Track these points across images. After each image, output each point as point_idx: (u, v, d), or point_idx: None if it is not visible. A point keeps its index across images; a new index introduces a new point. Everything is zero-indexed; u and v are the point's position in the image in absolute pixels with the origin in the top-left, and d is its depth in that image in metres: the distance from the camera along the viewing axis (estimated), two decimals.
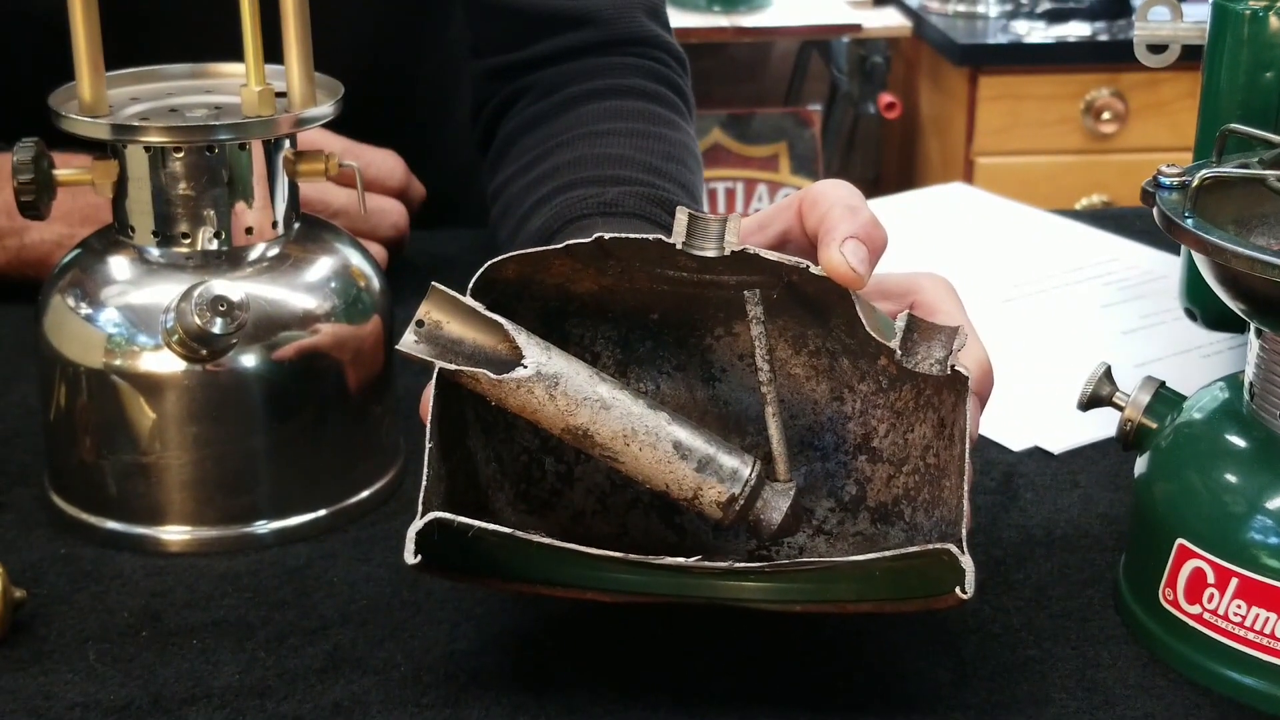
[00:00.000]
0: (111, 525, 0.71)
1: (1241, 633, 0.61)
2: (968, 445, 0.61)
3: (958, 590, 0.56)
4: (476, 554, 0.61)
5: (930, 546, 0.58)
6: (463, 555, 0.60)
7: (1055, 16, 2.72)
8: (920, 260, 1.05)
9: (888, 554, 0.58)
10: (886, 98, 2.91)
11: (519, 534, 0.59)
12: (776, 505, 0.63)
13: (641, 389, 0.68)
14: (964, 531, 0.59)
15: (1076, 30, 2.68)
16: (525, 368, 0.61)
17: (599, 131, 0.95)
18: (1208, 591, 0.61)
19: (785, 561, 0.64)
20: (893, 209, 1.19)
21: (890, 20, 2.88)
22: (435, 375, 0.61)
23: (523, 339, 0.61)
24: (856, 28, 2.83)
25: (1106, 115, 2.66)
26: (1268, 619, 0.60)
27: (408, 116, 1.18)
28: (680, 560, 0.59)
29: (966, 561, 0.57)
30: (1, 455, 0.79)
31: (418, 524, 0.58)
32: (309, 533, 0.72)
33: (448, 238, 1.10)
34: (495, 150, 1.03)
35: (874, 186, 3.10)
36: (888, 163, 3.15)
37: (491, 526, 0.58)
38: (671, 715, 0.60)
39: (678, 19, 2.78)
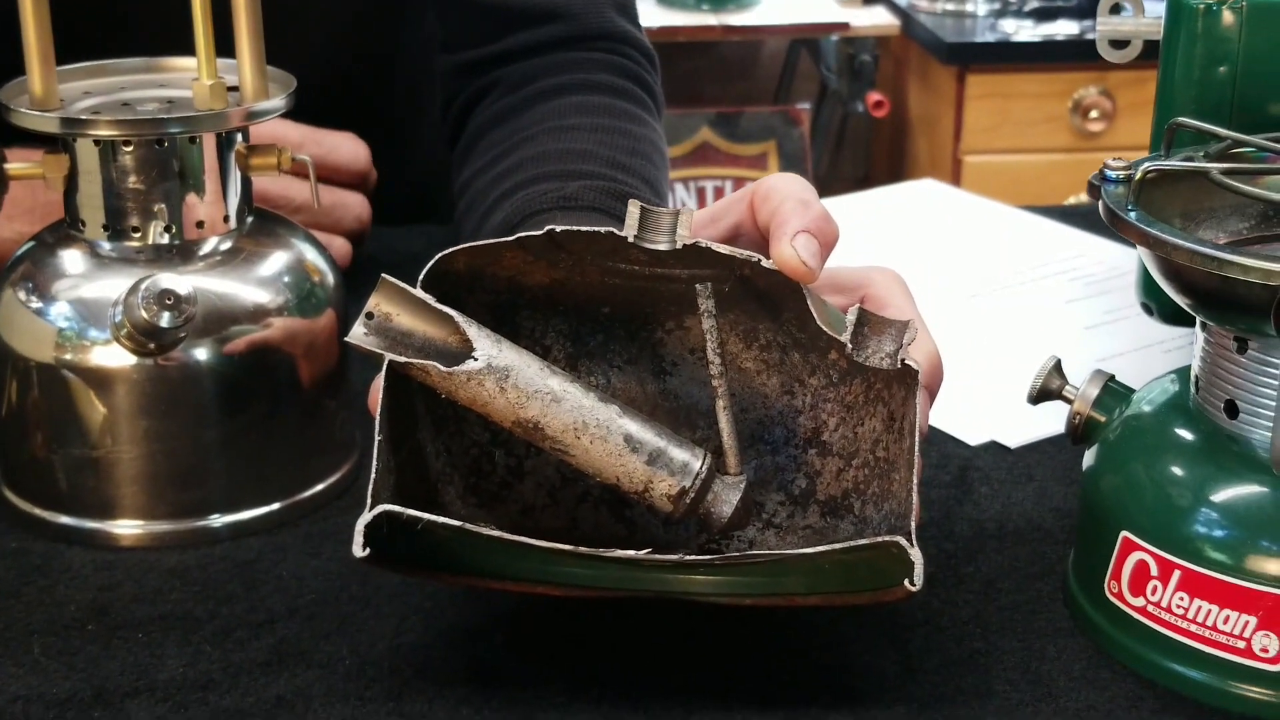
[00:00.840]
0: (63, 520, 0.71)
1: (1184, 625, 0.61)
2: (917, 439, 0.61)
3: (906, 583, 0.56)
4: (426, 547, 0.61)
5: (879, 539, 0.58)
6: (412, 549, 0.60)
7: (1043, 15, 2.73)
8: (889, 256, 1.05)
9: (837, 547, 0.58)
10: (875, 96, 2.91)
11: (468, 527, 0.59)
12: (727, 498, 0.63)
13: (592, 382, 0.68)
14: (913, 525, 0.59)
15: (1064, 29, 2.69)
16: (476, 360, 0.61)
17: (564, 126, 0.95)
18: (1151, 584, 0.61)
19: (735, 554, 0.64)
20: (863, 206, 1.19)
21: (879, 19, 2.88)
22: (385, 367, 0.61)
23: (473, 331, 0.61)
24: (845, 26, 2.84)
25: (1094, 113, 2.67)
26: (1210, 611, 0.60)
27: (382, 113, 1.18)
28: (630, 553, 0.59)
29: (915, 554, 0.57)
30: None
31: (366, 517, 0.58)
32: (261, 526, 0.72)
33: (417, 234, 1.10)
34: (462, 146, 1.03)
35: (863, 185, 3.09)
36: (876, 161, 3.15)
37: (441, 519, 0.58)
38: (618, 709, 0.60)
39: (667, 17, 2.78)
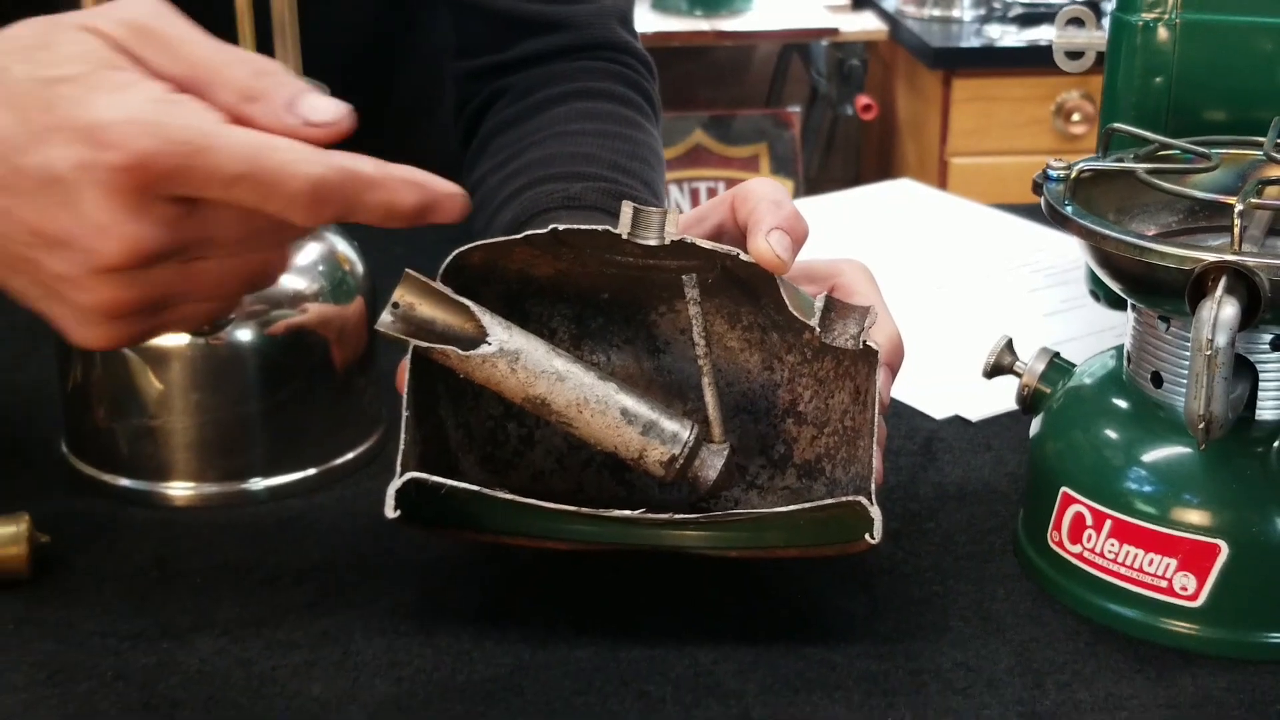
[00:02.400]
0: (123, 482, 0.80)
1: (1115, 568, 0.69)
2: (877, 410, 0.69)
3: (867, 536, 0.65)
4: (448, 509, 0.69)
5: (845, 499, 0.66)
6: (436, 510, 0.69)
7: (1027, 21, 2.79)
8: (865, 250, 1.14)
9: (809, 506, 0.67)
10: (863, 99, 2.99)
11: (485, 490, 0.67)
12: (712, 464, 0.71)
13: (594, 361, 0.76)
14: (873, 486, 0.67)
15: (1047, 34, 2.74)
16: (489, 345, 0.69)
17: (569, 131, 1.03)
18: (1087, 533, 0.70)
19: (720, 513, 0.72)
20: (842, 204, 1.28)
21: (867, 24, 2.95)
22: (410, 352, 0.70)
23: (487, 319, 0.70)
24: (834, 31, 2.90)
25: (1076, 117, 2.73)
26: (1137, 555, 0.68)
27: (394, 114, 1.26)
28: (626, 513, 0.68)
29: (875, 511, 0.65)
30: (23, 423, 0.87)
31: (396, 483, 0.66)
32: (299, 489, 0.81)
33: (428, 229, 1.17)
34: (475, 146, 1.11)
35: (852, 186, 3.16)
36: (865, 163, 3.23)
37: (461, 484, 0.67)
38: (619, 642, 0.69)
39: (660, 22, 2.86)
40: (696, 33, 2.87)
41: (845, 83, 3.04)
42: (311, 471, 0.82)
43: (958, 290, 1.07)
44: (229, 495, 0.80)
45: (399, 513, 0.66)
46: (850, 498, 0.66)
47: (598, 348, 0.77)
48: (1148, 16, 0.80)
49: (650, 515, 0.68)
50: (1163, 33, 0.80)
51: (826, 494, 0.73)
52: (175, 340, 0.78)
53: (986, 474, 0.83)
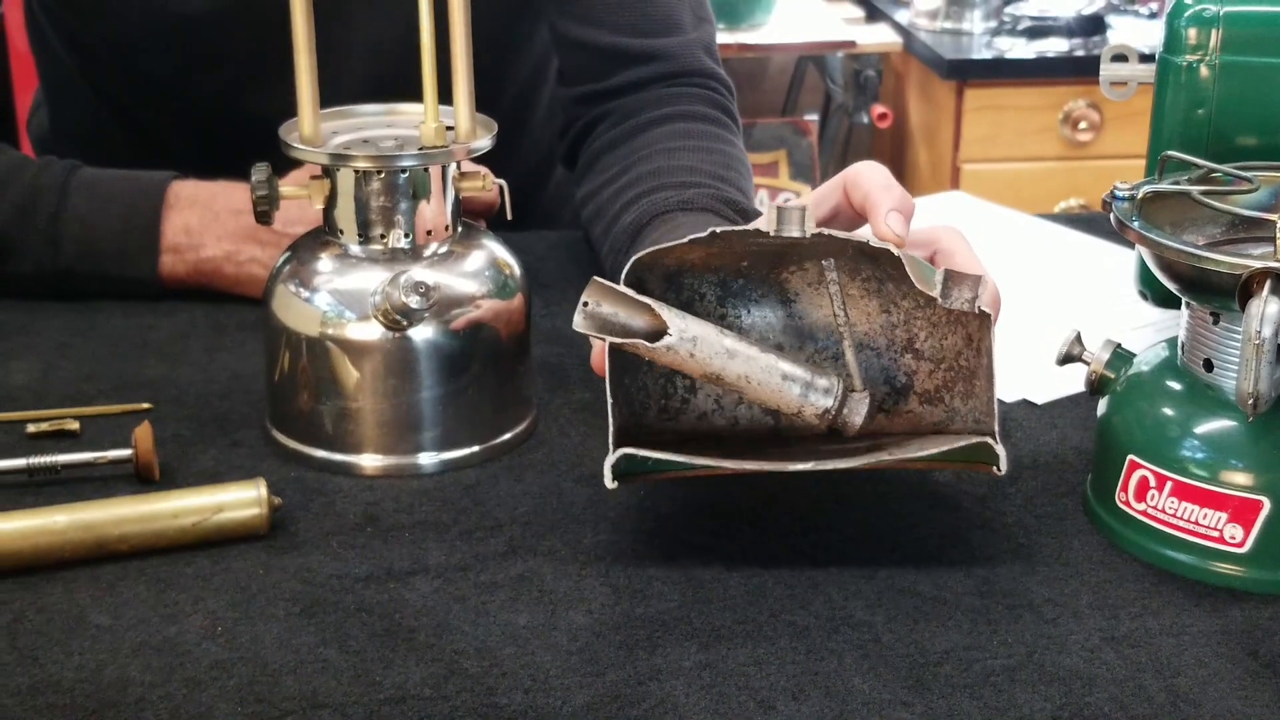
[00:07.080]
0: (324, 455, 0.94)
1: (1174, 521, 0.83)
2: (994, 361, 0.83)
3: (995, 469, 0.80)
4: (643, 466, 0.82)
5: (977, 440, 0.80)
6: (639, 467, 0.82)
7: (1036, 33, 2.90)
8: None
9: (945, 449, 0.81)
10: (878, 109, 3.12)
11: (680, 459, 0.81)
12: (857, 410, 0.85)
13: (736, 315, 0.90)
14: (996, 426, 0.81)
15: (1055, 46, 2.87)
16: (671, 335, 0.83)
17: (671, 148, 1.17)
18: (1150, 492, 0.84)
19: (875, 460, 0.84)
20: None
21: (882, 36, 3.08)
22: (607, 346, 0.83)
23: (666, 313, 0.83)
24: (850, 44, 3.03)
25: (1083, 125, 2.86)
26: (1192, 510, 0.83)
27: (507, 101, 1.39)
28: (807, 466, 0.80)
29: (1000, 449, 0.80)
30: (224, 407, 1.01)
31: (611, 458, 0.80)
32: (470, 463, 0.95)
33: (535, 238, 1.32)
34: (582, 166, 1.25)
35: None
36: None
37: (665, 456, 0.81)
38: (764, 586, 0.82)
39: None
40: (719, 45, 2.98)
41: (861, 92, 3.17)
42: (476, 448, 0.95)
43: (1019, 289, 1.21)
44: (412, 467, 0.94)
45: (616, 484, 0.80)
46: (980, 439, 0.80)
47: (739, 304, 0.90)
48: (1191, 58, 0.95)
49: (821, 466, 0.81)
50: (1204, 71, 0.94)
51: (946, 419, 0.87)
52: (371, 335, 0.91)
53: (1054, 448, 0.97)
